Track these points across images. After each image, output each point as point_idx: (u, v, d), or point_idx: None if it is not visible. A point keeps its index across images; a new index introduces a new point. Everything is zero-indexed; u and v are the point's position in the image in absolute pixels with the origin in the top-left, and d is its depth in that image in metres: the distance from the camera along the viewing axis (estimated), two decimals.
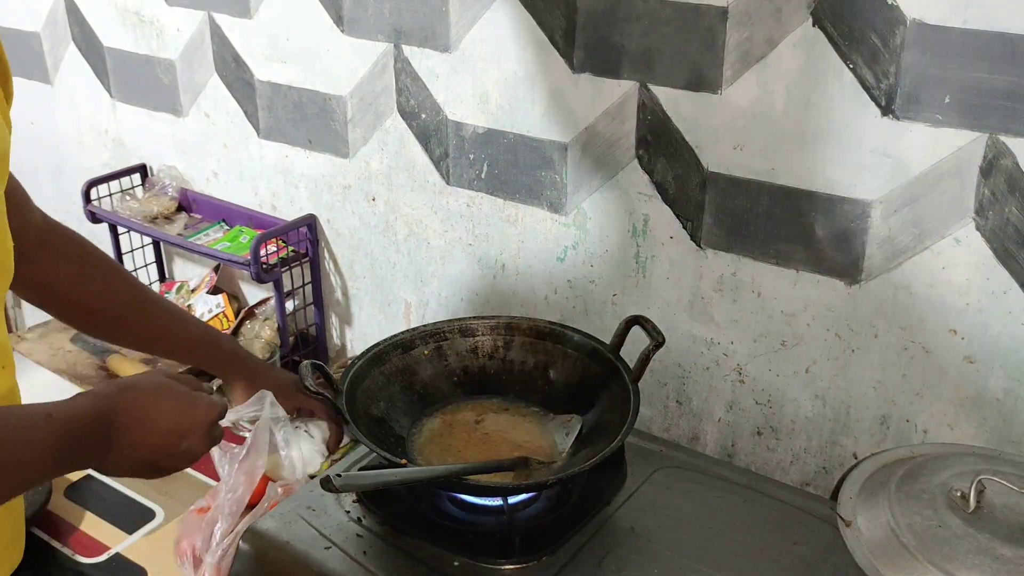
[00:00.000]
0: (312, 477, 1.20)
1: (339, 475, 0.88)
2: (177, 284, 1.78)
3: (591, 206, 1.24)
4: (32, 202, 0.94)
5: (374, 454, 1.00)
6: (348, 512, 1.02)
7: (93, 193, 1.77)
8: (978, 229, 0.97)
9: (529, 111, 1.24)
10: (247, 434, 1.35)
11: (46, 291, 0.97)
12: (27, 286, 0.94)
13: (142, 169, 1.82)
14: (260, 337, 1.55)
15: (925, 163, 0.97)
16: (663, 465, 1.11)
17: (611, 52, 1.14)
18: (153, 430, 0.79)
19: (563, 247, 1.29)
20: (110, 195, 1.79)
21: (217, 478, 1.26)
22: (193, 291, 1.75)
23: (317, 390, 0.99)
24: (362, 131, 1.44)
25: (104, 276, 1.00)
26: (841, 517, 0.83)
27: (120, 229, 1.77)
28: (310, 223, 1.56)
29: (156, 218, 1.73)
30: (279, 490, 1.16)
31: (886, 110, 0.98)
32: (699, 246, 1.16)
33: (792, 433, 1.18)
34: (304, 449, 1.27)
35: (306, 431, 1.26)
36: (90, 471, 1.30)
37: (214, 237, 1.64)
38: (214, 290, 1.72)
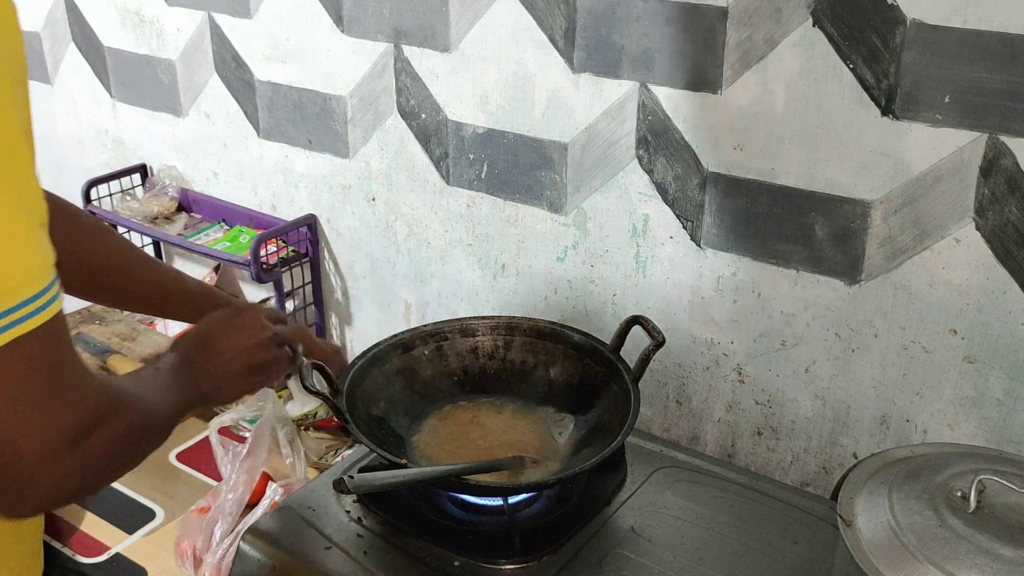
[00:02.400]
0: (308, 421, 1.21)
1: (351, 476, 0.89)
2: None
3: (591, 206, 1.24)
4: None
5: (374, 454, 1.00)
6: (348, 512, 1.02)
7: (93, 193, 1.77)
8: (978, 229, 0.97)
9: (529, 111, 1.24)
10: (248, 433, 1.36)
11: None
12: None
13: (142, 169, 1.82)
14: None
15: (925, 163, 0.97)
16: (663, 465, 1.11)
17: (611, 52, 1.14)
18: (223, 353, 0.91)
19: (563, 247, 1.29)
20: (110, 195, 1.79)
21: (218, 478, 1.26)
22: None
23: (317, 390, 0.99)
24: (362, 131, 1.44)
25: (96, 235, 0.98)
26: (841, 517, 0.83)
27: (120, 229, 1.76)
28: (310, 223, 1.56)
29: (156, 218, 1.73)
30: (279, 490, 1.16)
31: (886, 110, 0.98)
32: (699, 246, 1.16)
33: (792, 433, 1.18)
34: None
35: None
36: None
37: (214, 237, 1.64)
38: None
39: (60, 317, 0.62)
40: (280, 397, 1.31)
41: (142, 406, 0.74)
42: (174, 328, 1.70)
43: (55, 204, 0.95)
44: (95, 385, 0.67)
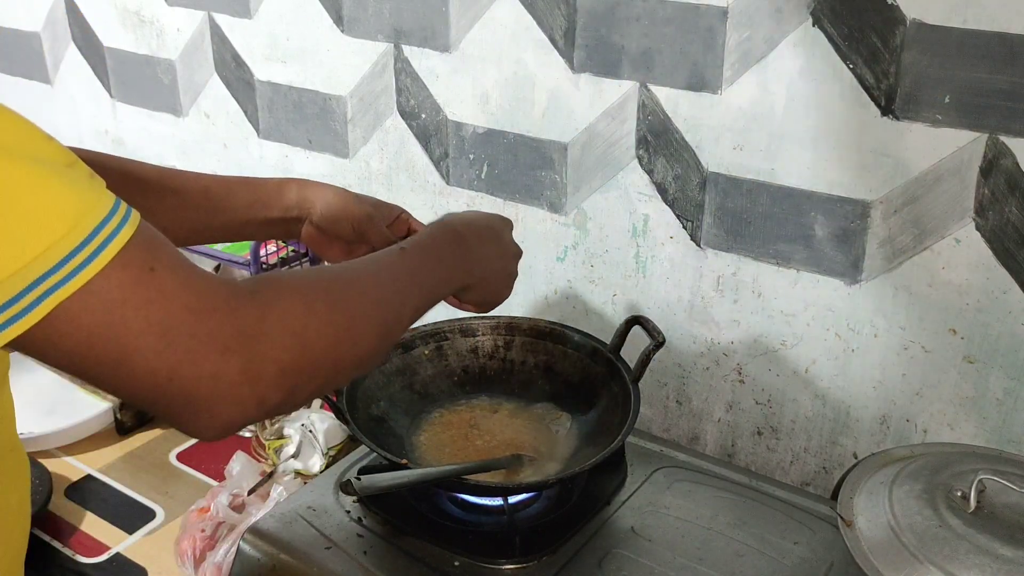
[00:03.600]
0: (309, 477, 1.20)
1: (358, 478, 0.89)
2: None
3: (591, 206, 1.24)
4: None
5: (374, 454, 1.00)
6: (348, 512, 1.02)
7: None
8: (978, 229, 0.97)
9: (529, 111, 1.24)
10: (247, 432, 1.35)
11: None
12: None
13: None
14: None
15: (925, 163, 0.97)
16: (663, 465, 1.11)
17: (611, 52, 1.14)
18: (493, 242, 0.90)
19: (563, 247, 1.29)
20: None
21: (218, 478, 1.26)
22: None
23: None
24: (362, 131, 1.44)
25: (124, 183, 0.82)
26: (841, 517, 0.83)
27: None
28: None
29: None
30: (283, 492, 1.16)
31: (886, 110, 0.98)
32: (699, 246, 1.16)
33: (792, 433, 1.18)
34: (307, 451, 1.28)
35: (311, 431, 1.27)
36: (90, 471, 1.31)
37: None
38: None
39: (141, 237, 0.55)
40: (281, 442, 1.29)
41: (322, 286, 0.65)
42: None
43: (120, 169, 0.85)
44: (240, 291, 0.59)
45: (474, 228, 0.88)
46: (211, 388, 0.56)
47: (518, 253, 0.97)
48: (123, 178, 0.86)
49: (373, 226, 0.99)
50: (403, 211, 1.06)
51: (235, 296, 0.58)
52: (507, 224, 0.97)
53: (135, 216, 0.56)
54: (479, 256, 0.87)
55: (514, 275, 0.96)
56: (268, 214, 0.95)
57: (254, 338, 0.58)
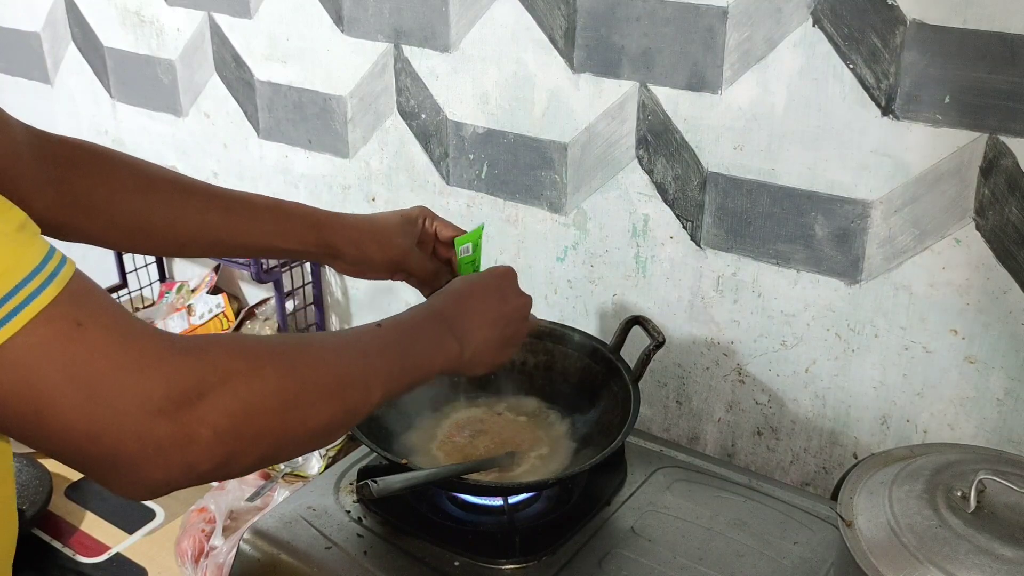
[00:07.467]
0: (304, 478, 1.20)
1: (375, 481, 0.89)
2: (177, 284, 1.78)
3: (591, 206, 1.24)
4: (8, 116, 0.78)
5: (374, 454, 1.00)
6: (348, 512, 1.02)
7: None
8: (978, 229, 0.97)
9: (529, 111, 1.24)
10: None
11: (79, 214, 0.83)
12: (53, 215, 0.80)
13: None
14: None
15: (925, 163, 0.97)
16: (663, 465, 1.11)
17: (611, 52, 1.14)
18: (485, 314, 0.85)
19: (563, 247, 1.29)
20: None
21: None
22: (193, 291, 1.75)
23: None
24: (362, 131, 1.44)
25: (141, 183, 0.87)
26: (841, 517, 0.83)
27: None
28: None
29: None
30: (283, 492, 1.16)
31: (886, 110, 0.98)
32: (699, 246, 1.16)
33: (792, 433, 1.18)
34: None
35: None
36: None
37: None
38: (214, 290, 1.72)
39: (72, 290, 0.53)
40: None
41: (275, 351, 0.62)
42: (174, 326, 1.70)
43: (83, 149, 0.85)
44: (180, 347, 0.56)
45: (461, 303, 0.84)
46: (136, 450, 0.53)
47: (519, 310, 0.90)
48: (171, 185, 0.90)
49: (409, 260, 1.01)
50: (425, 214, 1.04)
51: (174, 353, 0.55)
52: (506, 280, 0.91)
53: (67, 269, 0.54)
54: (464, 333, 0.82)
55: (513, 339, 0.89)
56: (289, 246, 0.95)
57: (189, 399, 0.54)
